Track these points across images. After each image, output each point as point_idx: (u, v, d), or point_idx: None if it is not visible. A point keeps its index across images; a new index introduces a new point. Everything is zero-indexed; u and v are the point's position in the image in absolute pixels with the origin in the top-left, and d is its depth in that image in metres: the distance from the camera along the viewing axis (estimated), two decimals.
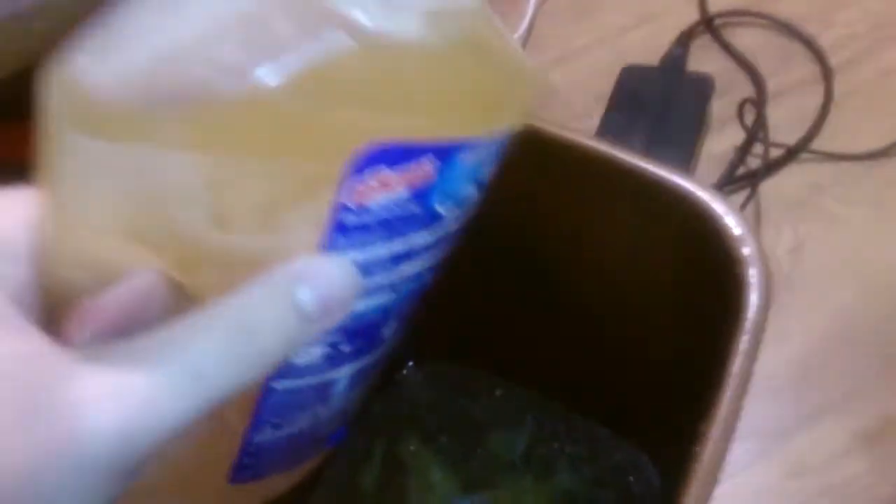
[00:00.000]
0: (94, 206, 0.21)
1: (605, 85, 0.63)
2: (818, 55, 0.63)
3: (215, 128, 0.19)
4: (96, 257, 0.21)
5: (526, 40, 0.66)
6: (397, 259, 0.24)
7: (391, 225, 0.22)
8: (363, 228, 0.22)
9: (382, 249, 0.23)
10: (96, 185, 0.20)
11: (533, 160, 0.37)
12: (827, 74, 0.62)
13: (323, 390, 0.26)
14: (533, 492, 0.52)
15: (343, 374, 0.26)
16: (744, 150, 0.59)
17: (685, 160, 0.59)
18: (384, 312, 0.25)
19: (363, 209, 0.21)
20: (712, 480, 0.29)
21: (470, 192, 0.24)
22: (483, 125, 0.23)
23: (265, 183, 0.20)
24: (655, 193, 0.36)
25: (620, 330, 0.44)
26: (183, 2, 0.20)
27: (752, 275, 0.32)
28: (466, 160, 0.23)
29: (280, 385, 0.24)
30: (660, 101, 0.61)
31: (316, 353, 0.24)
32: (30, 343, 0.19)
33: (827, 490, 0.52)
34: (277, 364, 0.21)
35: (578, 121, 0.62)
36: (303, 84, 0.19)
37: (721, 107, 0.62)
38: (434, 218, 0.24)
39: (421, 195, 0.22)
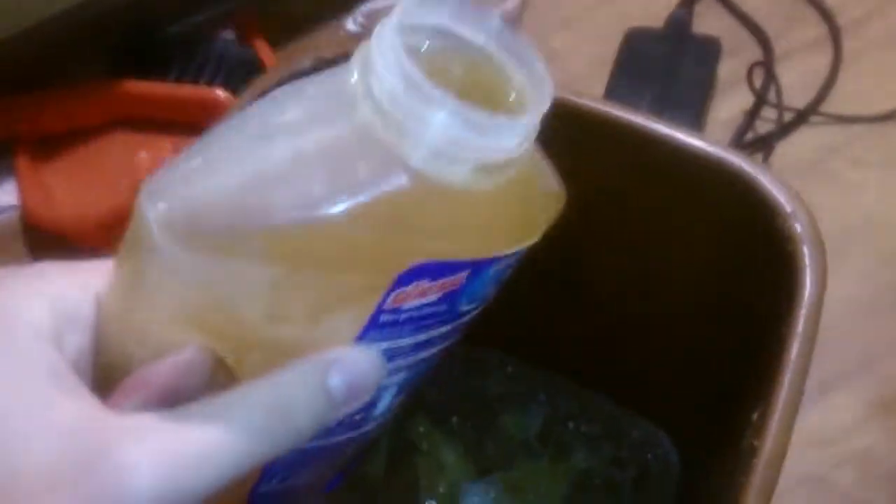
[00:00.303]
0: (162, 296, 0.23)
1: (605, 49, 0.61)
2: (826, 14, 0.61)
3: (285, 245, 0.22)
4: (155, 337, 0.23)
5: (524, 5, 0.64)
6: (417, 347, 0.26)
7: (418, 321, 0.25)
8: (394, 324, 0.25)
9: (407, 340, 0.26)
10: (169, 280, 0.23)
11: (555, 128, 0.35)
12: (835, 34, 0.60)
13: (331, 449, 0.28)
14: (549, 472, 0.51)
15: (351, 436, 0.28)
16: (753, 114, 0.57)
17: (694, 125, 0.57)
18: (398, 388, 0.28)
19: (398, 310, 0.24)
20: (775, 473, 0.27)
21: (490, 291, 0.27)
22: (516, 244, 0.26)
23: (321, 290, 0.23)
24: (692, 165, 0.34)
25: (644, 307, 0.42)
26: (270, 135, 0.23)
27: (806, 254, 0.30)
28: (494, 270, 0.26)
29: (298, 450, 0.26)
30: (666, 64, 0.59)
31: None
32: (85, 407, 0.21)
33: (846, 460, 0.51)
34: (308, 439, 0.23)
35: (580, 86, 0.60)
36: (364, 214, 0.22)
37: (726, 70, 0.60)
38: (457, 315, 0.26)
39: (449, 298, 0.25)
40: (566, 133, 0.34)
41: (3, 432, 0.19)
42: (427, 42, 0.24)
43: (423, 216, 0.23)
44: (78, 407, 0.20)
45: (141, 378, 0.23)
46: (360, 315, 0.24)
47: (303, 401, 0.22)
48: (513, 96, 0.24)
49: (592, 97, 0.35)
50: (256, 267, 0.22)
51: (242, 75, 0.55)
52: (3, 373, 0.20)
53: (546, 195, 0.27)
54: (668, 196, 0.36)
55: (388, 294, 0.23)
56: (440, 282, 0.24)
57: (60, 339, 0.22)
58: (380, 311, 0.24)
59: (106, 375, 0.23)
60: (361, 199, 0.22)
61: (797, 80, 0.59)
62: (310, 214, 0.22)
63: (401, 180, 0.22)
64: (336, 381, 0.23)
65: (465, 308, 0.26)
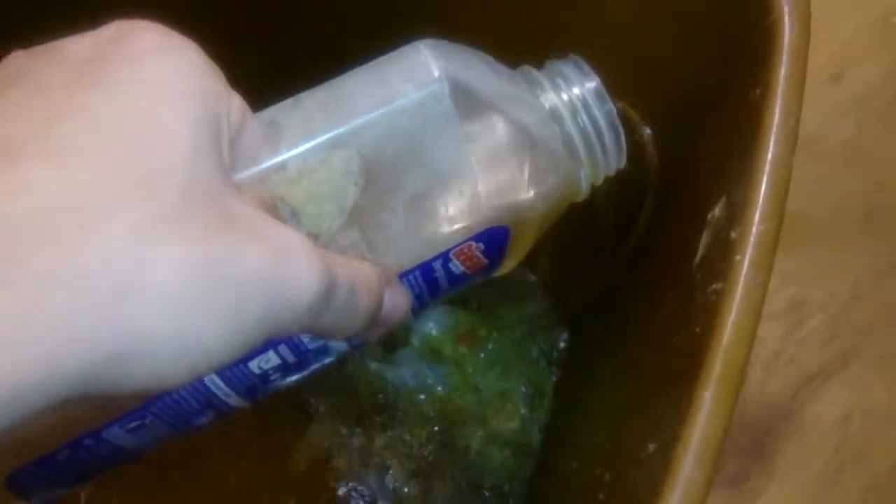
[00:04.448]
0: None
1: None
2: None
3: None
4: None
5: None
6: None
7: (431, 286, 0.27)
8: (427, 276, 0.26)
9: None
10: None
11: None
12: None
13: (221, 406, 0.27)
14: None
15: (238, 402, 0.27)
16: None
17: None
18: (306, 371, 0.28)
19: (446, 263, 0.26)
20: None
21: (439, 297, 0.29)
22: (504, 269, 0.29)
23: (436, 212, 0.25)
24: None
25: None
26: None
27: None
28: (474, 280, 0.29)
29: (210, 381, 0.25)
30: None
31: (273, 362, 0.26)
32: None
33: None
34: (342, 335, 0.22)
35: None
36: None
37: None
38: (428, 301, 0.28)
39: (459, 279, 0.27)
40: None
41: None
42: None
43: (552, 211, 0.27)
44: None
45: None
46: (434, 249, 0.25)
47: (375, 290, 0.22)
48: None
49: None
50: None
51: None
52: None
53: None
54: None
55: (462, 242, 0.25)
56: (480, 258, 0.26)
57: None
58: (444, 255, 0.25)
59: None
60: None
61: None
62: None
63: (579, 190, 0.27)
64: (387, 298, 0.23)
65: (440, 296, 0.28)
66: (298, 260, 0.18)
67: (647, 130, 0.30)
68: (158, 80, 0.18)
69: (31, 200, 0.15)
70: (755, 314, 0.19)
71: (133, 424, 0.25)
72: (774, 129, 0.21)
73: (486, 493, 0.41)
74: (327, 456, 0.42)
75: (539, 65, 0.27)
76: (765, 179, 0.20)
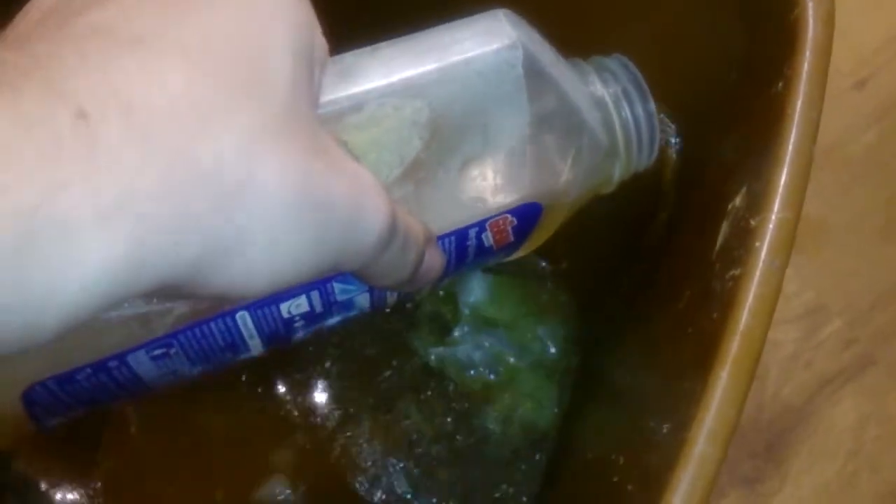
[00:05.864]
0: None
1: None
2: None
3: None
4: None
5: None
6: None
7: (459, 254, 0.27)
8: (461, 243, 0.26)
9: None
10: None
11: None
12: None
13: (241, 348, 0.27)
14: None
15: (256, 347, 0.28)
16: None
17: None
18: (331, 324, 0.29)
19: (480, 232, 0.26)
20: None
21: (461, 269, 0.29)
22: (526, 250, 0.30)
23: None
24: None
25: None
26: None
27: None
28: (495, 257, 0.29)
29: (240, 317, 0.26)
30: None
31: (302, 308, 0.26)
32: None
33: None
34: (385, 283, 0.22)
35: None
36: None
37: None
38: (464, 269, 0.29)
39: (484, 253, 0.28)
40: None
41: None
42: None
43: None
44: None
45: None
46: (475, 215, 0.26)
47: (421, 245, 0.22)
48: None
49: None
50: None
51: None
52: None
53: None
54: None
55: (500, 214, 0.26)
56: (509, 234, 0.27)
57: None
58: (480, 223, 0.26)
59: None
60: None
61: None
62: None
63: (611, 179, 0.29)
64: (426, 257, 0.23)
65: (462, 268, 0.28)
66: (373, 198, 0.19)
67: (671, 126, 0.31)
68: (265, 2, 0.19)
69: (165, 90, 0.16)
70: (773, 297, 0.20)
71: (158, 352, 0.26)
72: (797, 118, 0.21)
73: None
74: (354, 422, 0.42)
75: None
76: (786, 168, 0.21)
